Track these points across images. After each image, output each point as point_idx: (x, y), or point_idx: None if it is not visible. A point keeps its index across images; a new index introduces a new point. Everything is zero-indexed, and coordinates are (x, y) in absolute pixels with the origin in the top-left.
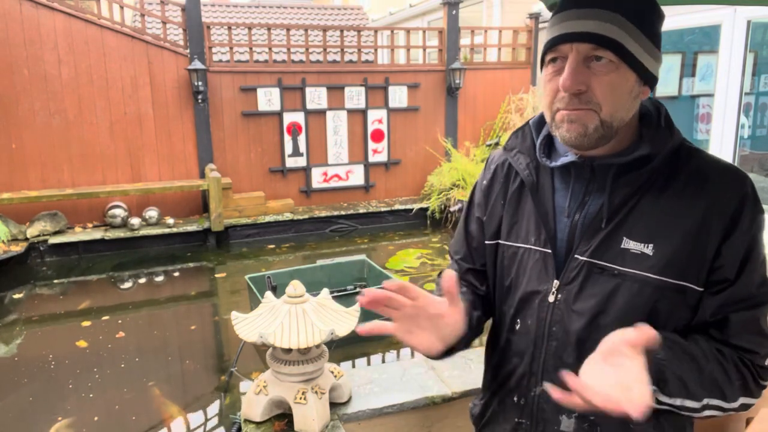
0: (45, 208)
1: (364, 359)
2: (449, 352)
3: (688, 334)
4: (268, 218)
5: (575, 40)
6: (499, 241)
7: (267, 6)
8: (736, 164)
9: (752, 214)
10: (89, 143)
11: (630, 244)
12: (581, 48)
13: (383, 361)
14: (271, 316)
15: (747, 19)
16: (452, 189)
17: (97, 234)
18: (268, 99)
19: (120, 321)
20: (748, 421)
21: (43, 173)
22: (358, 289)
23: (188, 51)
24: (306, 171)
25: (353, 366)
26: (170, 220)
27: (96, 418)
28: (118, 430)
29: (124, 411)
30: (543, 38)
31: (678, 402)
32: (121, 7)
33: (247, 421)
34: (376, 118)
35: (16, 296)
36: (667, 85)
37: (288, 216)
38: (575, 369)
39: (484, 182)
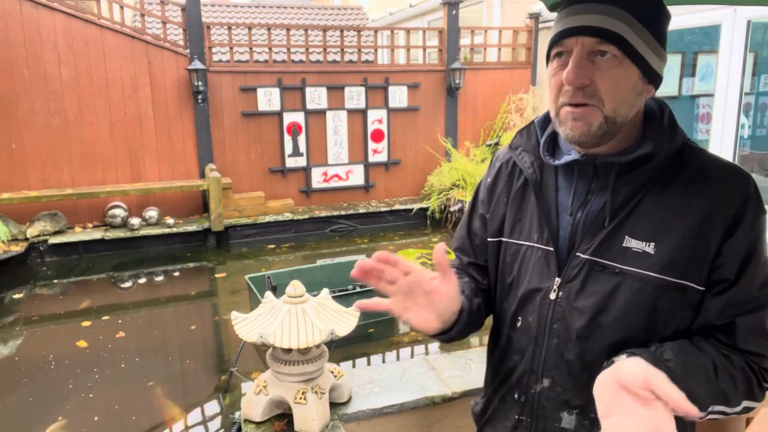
0: (45, 208)
1: (364, 359)
2: (446, 332)
3: (693, 337)
4: (268, 218)
5: (580, 34)
6: (502, 239)
7: (267, 6)
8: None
9: (755, 215)
10: (89, 143)
11: (632, 243)
12: (586, 42)
13: (383, 361)
14: (271, 316)
15: (747, 19)
16: (452, 189)
17: (97, 234)
18: (268, 99)
19: (120, 321)
20: (748, 421)
21: (43, 173)
22: (358, 289)
23: (188, 51)
24: (306, 171)
25: (353, 366)
26: (170, 220)
27: (96, 418)
28: (118, 430)
29: (124, 411)
30: (543, 38)
31: (682, 414)
32: (121, 7)
33: (247, 421)
34: (376, 118)
35: (16, 296)
36: (667, 85)
37: (288, 216)
38: (575, 366)
39: (489, 180)
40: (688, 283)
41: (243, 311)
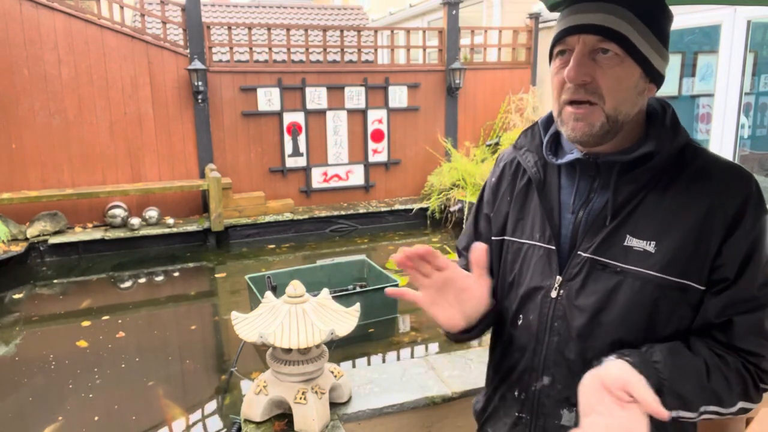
0: (45, 208)
1: (364, 359)
2: (468, 331)
3: (690, 336)
4: (268, 218)
5: (582, 32)
6: (505, 237)
7: (267, 6)
8: None
9: (756, 215)
10: (89, 143)
11: (633, 242)
12: (588, 40)
13: (383, 361)
14: (271, 316)
15: (747, 19)
16: (452, 189)
17: (97, 234)
18: (268, 99)
19: (120, 321)
20: (748, 421)
21: (43, 173)
22: (358, 289)
23: (188, 51)
24: (306, 171)
25: (353, 366)
26: (170, 220)
27: (96, 418)
28: (118, 430)
29: (124, 411)
30: (543, 38)
31: (674, 414)
32: (121, 7)
33: (247, 421)
34: (376, 118)
35: (16, 296)
36: (666, 85)
37: (288, 216)
38: (576, 364)
39: (493, 179)
40: (689, 283)
41: (243, 311)
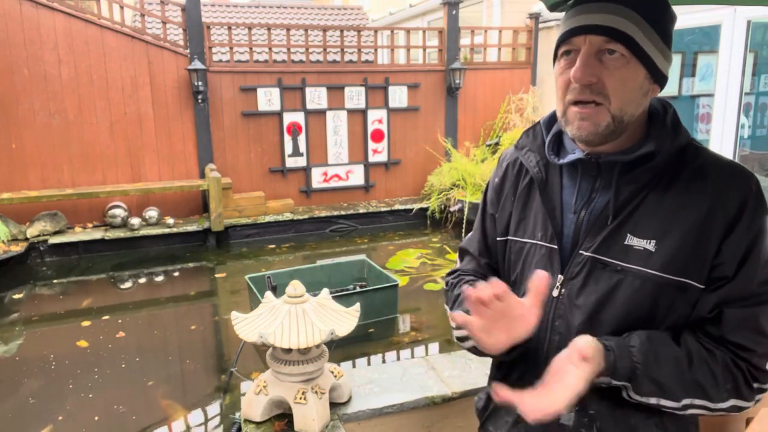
0: (45, 208)
1: (364, 359)
2: (508, 353)
3: (682, 331)
4: (268, 218)
5: (588, 33)
6: (508, 237)
7: (267, 6)
8: None
9: (755, 213)
10: (89, 143)
11: (634, 241)
12: (594, 40)
13: (383, 361)
14: (271, 316)
15: (747, 19)
16: (452, 189)
17: (97, 234)
18: (268, 99)
19: (120, 321)
20: (748, 421)
21: (43, 173)
22: (358, 289)
23: (188, 51)
24: (306, 171)
25: (353, 366)
26: (170, 220)
27: (96, 418)
28: (118, 430)
29: (124, 411)
30: (543, 38)
31: (653, 401)
32: (121, 7)
33: (247, 421)
34: (376, 118)
35: (16, 296)
36: (667, 85)
37: (288, 216)
38: None
39: (496, 180)
40: (689, 281)
41: (243, 311)
